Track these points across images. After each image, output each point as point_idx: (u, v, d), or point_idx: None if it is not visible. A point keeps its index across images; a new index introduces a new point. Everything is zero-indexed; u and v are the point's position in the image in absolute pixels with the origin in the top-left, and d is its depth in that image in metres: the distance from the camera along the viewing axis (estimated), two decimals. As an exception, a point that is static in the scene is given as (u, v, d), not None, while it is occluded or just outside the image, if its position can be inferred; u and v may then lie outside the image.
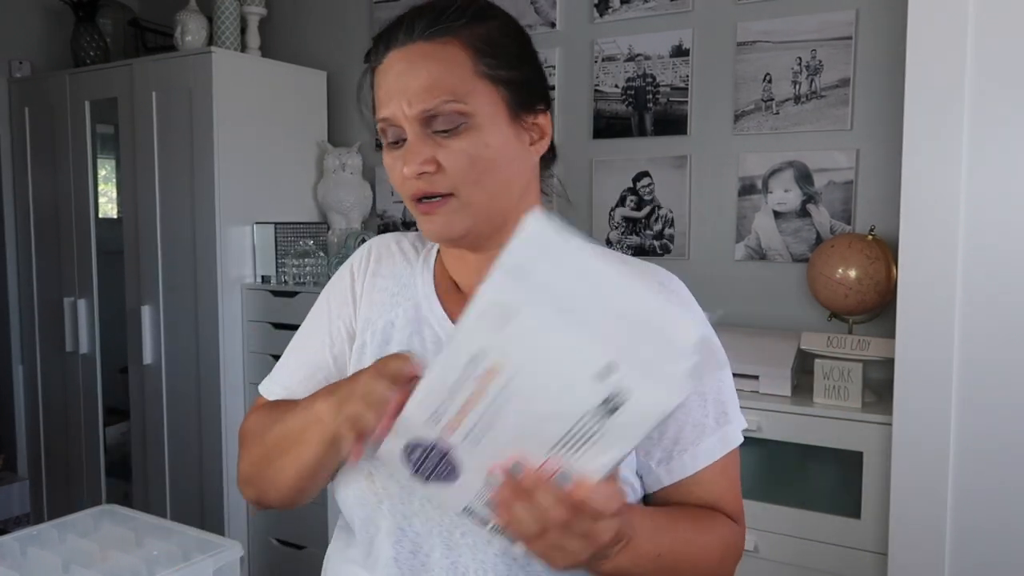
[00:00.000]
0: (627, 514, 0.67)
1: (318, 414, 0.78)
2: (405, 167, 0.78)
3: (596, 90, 2.44)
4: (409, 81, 0.78)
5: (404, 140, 0.79)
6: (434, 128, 0.78)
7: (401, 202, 2.80)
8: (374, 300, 0.90)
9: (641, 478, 0.85)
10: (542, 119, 0.85)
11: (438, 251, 0.93)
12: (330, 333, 0.91)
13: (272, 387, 0.93)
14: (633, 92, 2.37)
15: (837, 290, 1.89)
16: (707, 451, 0.86)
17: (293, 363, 0.93)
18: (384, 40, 0.82)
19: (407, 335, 0.86)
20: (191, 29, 2.64)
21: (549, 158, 0.90)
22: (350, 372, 0.87)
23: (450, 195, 0.79)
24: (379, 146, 2.99)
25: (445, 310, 0.87)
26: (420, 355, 0.76)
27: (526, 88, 0.83)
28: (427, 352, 0.84)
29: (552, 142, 0.88)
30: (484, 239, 0.83)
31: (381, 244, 0.96)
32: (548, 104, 0.86)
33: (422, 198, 0.80)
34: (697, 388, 0.83)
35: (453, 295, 0.89)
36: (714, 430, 0.87)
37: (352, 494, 0.84)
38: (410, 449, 0.68)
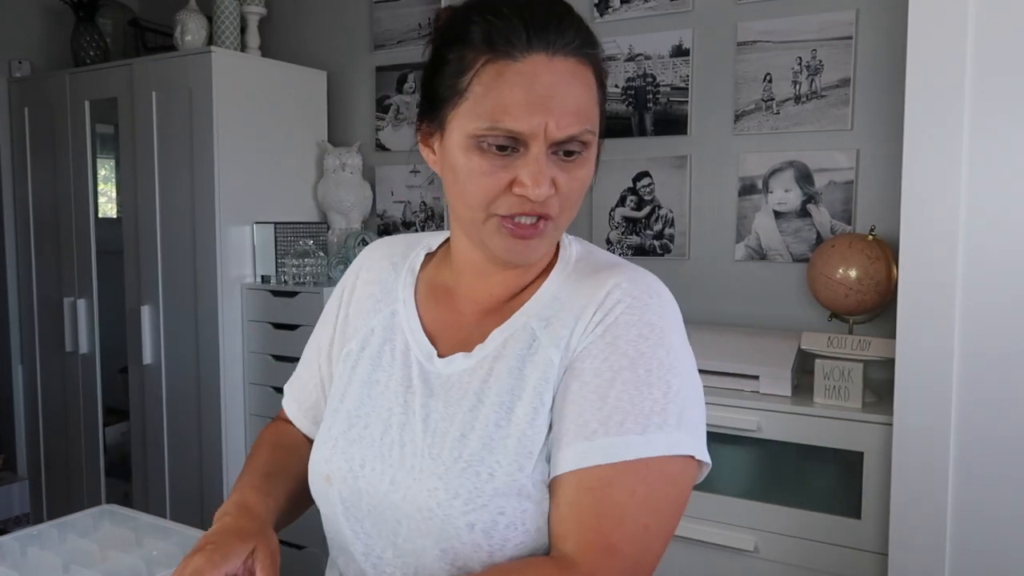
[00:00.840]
0: None
1: (241, 500, 0.86)
2: (532, 187, 0.72)
3: (596, 90, 2.43)
4: (560, 99, 0.72)
5: (511, 149, 0.73)
6: (563, 151, 0.74)
7: (401, 202, 2.80)
8: (361, 308, 0.91)
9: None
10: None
11: (427, 255, 0.93)
12: (328, 341, 0.95)
13: (287, 396, 1.00)
14: (633, 92, 2.37)
15: (837, 290, 1.89)
16: (566, 458, 0.72)
17: (299, 376, 0.99)
18: (526, 35, 0.72)
19: (380, 343, 0.87)
20: (191, 29, 2.64)
21: None
22: (335, 381, 0.90)
23: (549, 218, 0.76)
24: (379, 146, 2.97)
25: (420, 316, 0.87)
26: (386, 361, 0.84)
27: (604, 120, 0.81)
28: (394, 363, 0.85)
29: None
30: None
31: (372, 250, 0.97)
32: None
33: (519, 216, 0.75)
34: (599, 389, 0.73)
35: (438, 300, 0.88)
36: (590, 437, 0.72)
37: (317, 494, 0.87)
38: None
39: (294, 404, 0.99)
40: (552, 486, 0.74)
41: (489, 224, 0.76)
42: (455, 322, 0.86)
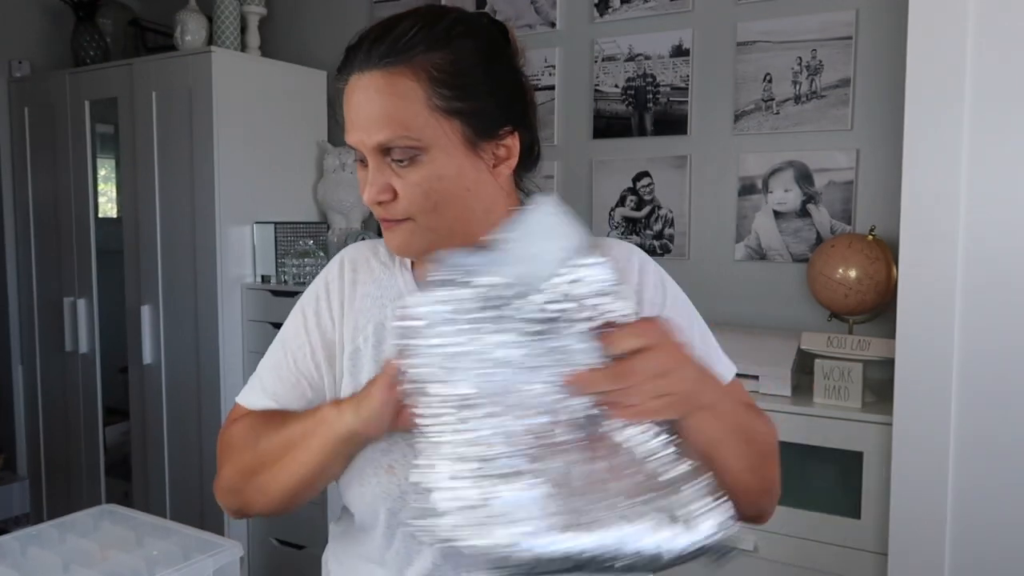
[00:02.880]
0: (704, 376, 0.74)
1: (324, 417, 0.81)
2: (364, 193, 0.81)
3: (596, 90, 2.44)
4: (366, 112, 0.79)
5: (364, 162, 0.82)
6: (391, 157, 0.80)
7: (401, 202, 2.80)
8: (359, 308, 0.91)
9: None
10: (509, 140, 0.83)
11: None
12: (310, 343, 0.92)
13: (254, 397, 0.93)
14: (633, 92, 2.37)
15: (837, 290, 1.89)
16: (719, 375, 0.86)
17: (274, 374, 0.93)
18: (346, 62, 0.82)
19: None
20: (191, 29, 2.64)
21: (529, 163, 0.90)
22: (344, 380, 0.89)
23: (408, 219, 0.82)
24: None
25: None
26: None
27: (486, 117, 0.81)
28: None
29: (534, 145, 0.89)
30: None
31: (355, 254, 0.96)
32: (518, 122, 0.85)
33: (383, 218, 0.84)
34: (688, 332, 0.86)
35: None
36: (716, 360, 0.90)
37: (371, 491, 0.84)
38: None
39: (271, 401, 0.92)
40: None
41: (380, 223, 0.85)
42: None
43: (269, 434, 0.86)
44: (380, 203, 0.81)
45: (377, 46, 0.79)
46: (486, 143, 0.82)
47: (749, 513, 0.81)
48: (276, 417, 0.88)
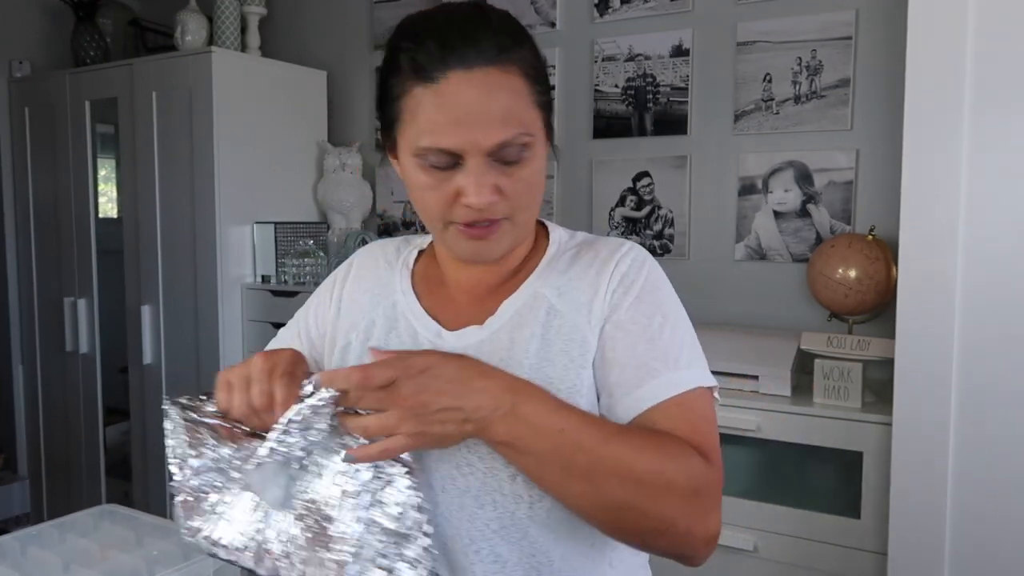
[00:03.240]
0: (490, 380, 0.72)
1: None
2: (474, 197, 0.76)
3: (596, 90, 2.44)
4: (481, 111, 0.75)
5: (452, 163, 0.77)
6: (501, 156, 0.77)
7: (401, 202, 2.80)
8: (357, 302, 0.94)
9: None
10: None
11: (420, 252, 0.97)
12: (299, 332, 0.97)
13: None
14: (633, 92, 2.37)
15: (837, 290, 1.89)
16: (652, 392, 0.79)
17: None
18: (442, 56, 0.75)
19: (385, 331, 0.90)
20: (191, 29, 2.64)
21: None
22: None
23: (504, 219, 0.80)
24: (379, 146, 2.96)
25: (422, 304, 0.90)
26: (395, 348, 0.83)
27: (552, 109, 0.84)
28: (403, 345, 0.88)
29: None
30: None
31: (366, 252, 1.00)
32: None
33: (474, 223, 0.79)
34: (647, 334, 0.81)
35: (432, 289, 0.92)
36: (660, 373, 0.80)
37: None
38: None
39: None
40: (637, 423, 0.79)
41: (449, 231, 0.81)
42: (454, 305, 0.90)
43: None
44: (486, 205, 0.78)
45: (485, 41, 0.76)
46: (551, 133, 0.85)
47: (659, 552, 0.77)
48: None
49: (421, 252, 0.97)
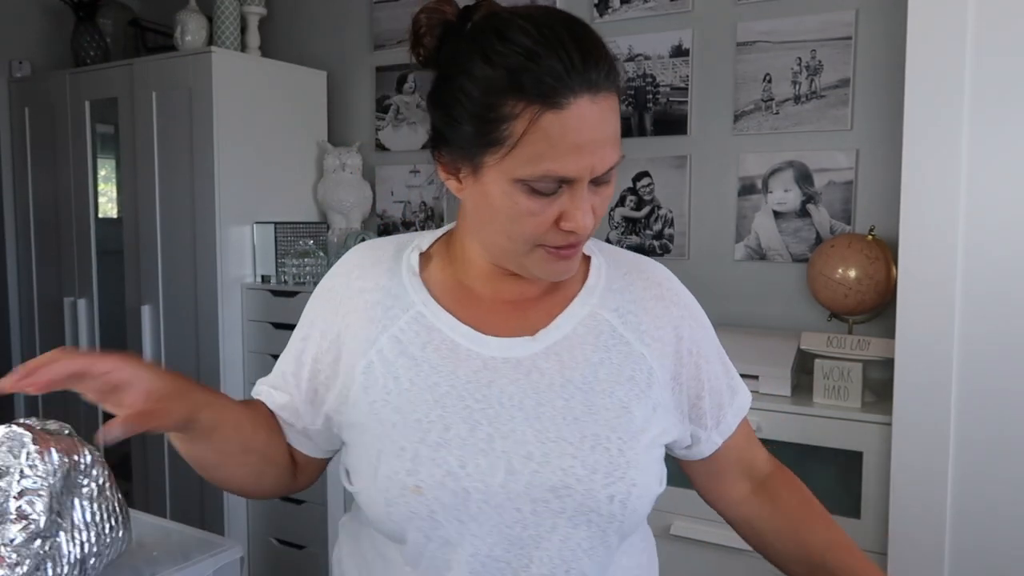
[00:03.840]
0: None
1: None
2: (580, 222, 0.75)
3: (596, 90, 2.43)
4: (602, 136, 0.73)
5: (554, 191, 0.75)
6: (598, 179, 0.76)
7: (401, 202, 2.80)
8: (369, 316, 0.86)
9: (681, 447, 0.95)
10: None
11: (419, 255, 0.90)
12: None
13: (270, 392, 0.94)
14: (633, 92, 2.37)
15: (837, 290, 1.89)
16: (739, 407, 0.95)
17: (282, 373, 0.93)
18: (569, 79, 0.70)
19: (419, 347, 0.84)
20: (191, 29, 2.64)
21: None
22: (355, 390, 0.85)
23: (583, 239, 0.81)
24: (379, 146, 2.94)
25: (452, 314, 0.85)
26: (435, 362, 0.83)
27: None
28: (441, 358, 0.83)
29: None
30: None
31: (361, 257, 0.92)
32: None
33: (567, 245, 0.78)
34: (718, 358, 0.93)
35: (459, 299, 0.86)
36: (737, 390, 0.95)
37: (399, 511, 0.80)
38: None
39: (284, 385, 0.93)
40: (726, 443, 0.94)
41: (535, 253, 0.79)
42: (491, 314, 0.85)
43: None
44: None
45: (601, 63, 0.73)
46: None
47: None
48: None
49: (422, 255, 0.90)
